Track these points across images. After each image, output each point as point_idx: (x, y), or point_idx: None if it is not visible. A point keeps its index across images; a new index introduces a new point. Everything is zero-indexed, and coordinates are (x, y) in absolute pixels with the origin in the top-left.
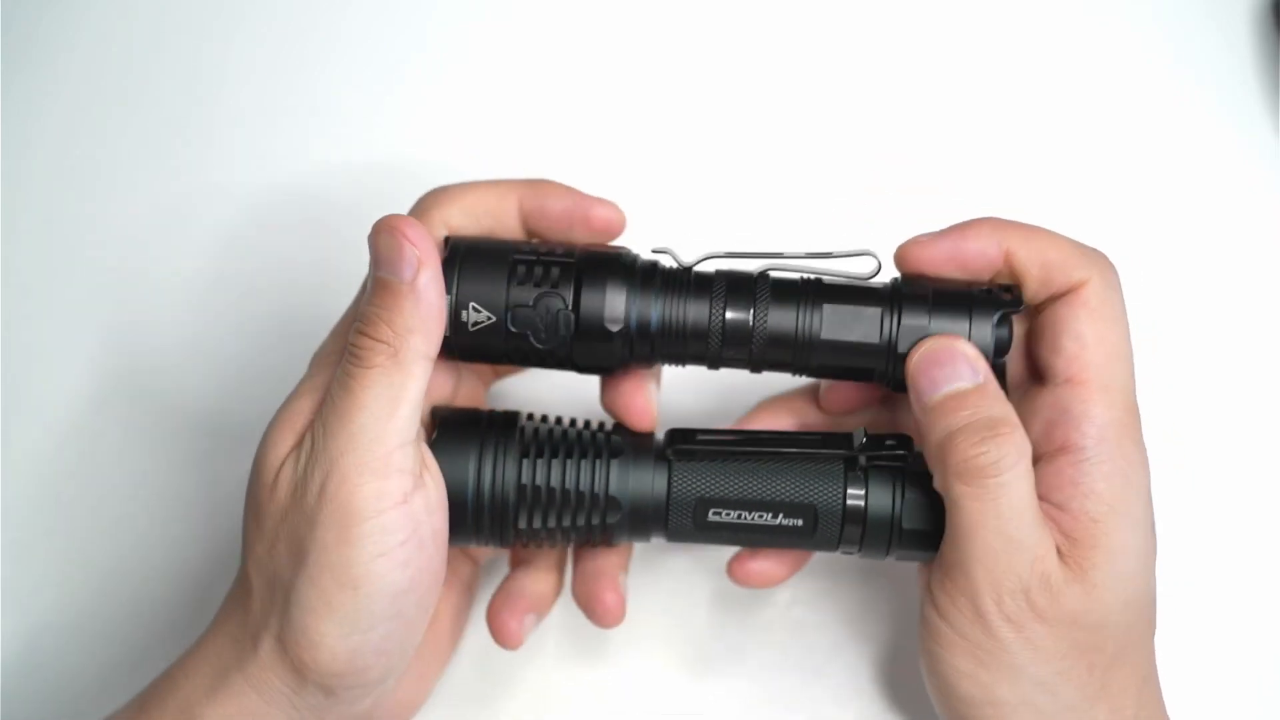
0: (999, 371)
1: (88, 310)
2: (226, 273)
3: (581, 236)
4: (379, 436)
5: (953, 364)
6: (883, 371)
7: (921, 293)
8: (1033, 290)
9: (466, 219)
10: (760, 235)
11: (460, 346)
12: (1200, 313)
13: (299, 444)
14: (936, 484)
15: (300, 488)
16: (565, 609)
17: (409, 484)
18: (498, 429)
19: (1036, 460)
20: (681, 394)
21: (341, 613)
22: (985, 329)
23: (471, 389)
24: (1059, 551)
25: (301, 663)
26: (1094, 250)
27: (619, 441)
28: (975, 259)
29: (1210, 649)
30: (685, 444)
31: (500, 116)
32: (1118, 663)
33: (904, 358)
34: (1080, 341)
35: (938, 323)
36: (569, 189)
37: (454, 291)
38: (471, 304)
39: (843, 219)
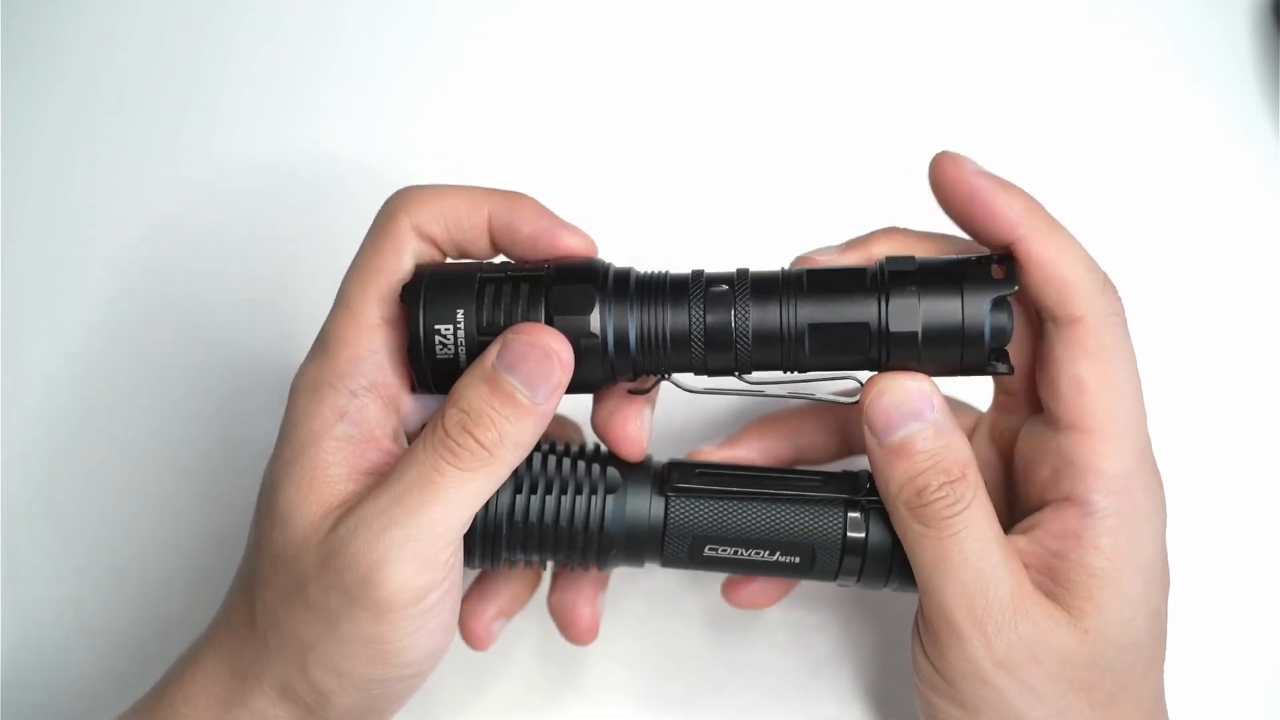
0: (1002, 355)
1: (87, 309)
2: (224, 271)
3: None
4: (445, 534)
5: (907, 403)
6: (875, 359)
7: (908, 269)
8: (1031, 287)
9: (435, 224)
10: (742, 235)
11: (435, 377)
12: (1200, 313)
13: (343, 510)
14: (895, 525)
15: (342, 560)
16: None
17: (454, 568)
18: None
19: (1040, 505)
20: (672, 410)
21: (367, 679)
22: (978, 307)
23: None
24: (1050, 595)
25: (311, 708)
26: (1102, 280)
27: (615, 477)
28: (988, 219)
29: (1210, 649)
30: (684, 481)
31: (497, 113)
32: (1120, 698)
33: (896, 338)
34: (1079, 387)
35: (928, 301)
36: (542, 211)
37: (420, 322)
38: (438, 334)
39: (835, 216)
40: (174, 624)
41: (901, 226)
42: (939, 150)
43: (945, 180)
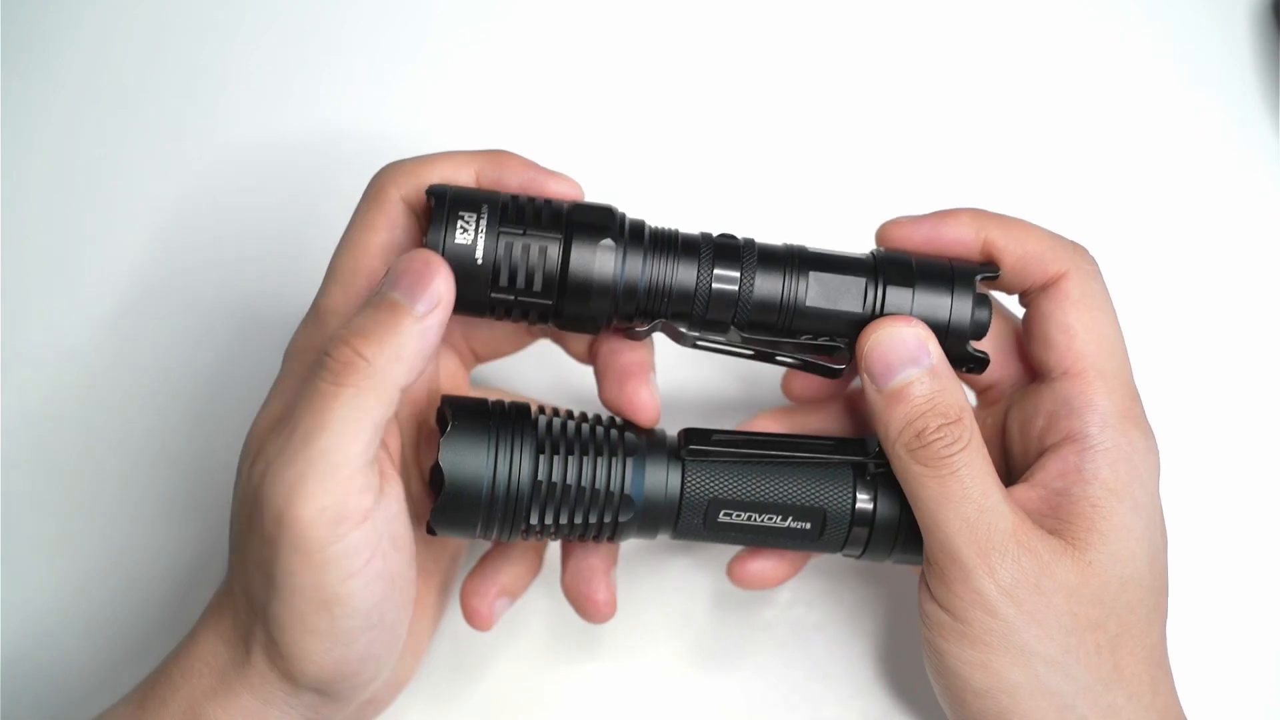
0: (978, 361)
1: (86, 310)
2: (228, 263)
3: None
4: (343, 460)
5: (904, 349)
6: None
7: (903, 264)
8: (1010, 280)
9: (424, 190)
10: (742, 218)
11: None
12: (1200, 312)
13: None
14: (895, 468)
15: (258, 507)
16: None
17: (370, 501)
18: (511, 422)
19: (1041, 453)
20: (682, 386)
21: (319, 631)
22: (966, 303)
23: (452, 373)
24: (1054, 532)
25: (290, 674)
26: (1071, 242)
27: (633, 440)
28: (953, 245)
29: (1212, 642)
30: (700, 444)
31: (505, 97)
32: (1124, 644)
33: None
34: (1069, 333)
35: (921, 295)
36: (526, 162)
37: (444, 228)
38: (460, 219)
39: (832, 213)
40: (173, 615)
41: (978, 207)
42: (878, 226)
43: (899, 243)
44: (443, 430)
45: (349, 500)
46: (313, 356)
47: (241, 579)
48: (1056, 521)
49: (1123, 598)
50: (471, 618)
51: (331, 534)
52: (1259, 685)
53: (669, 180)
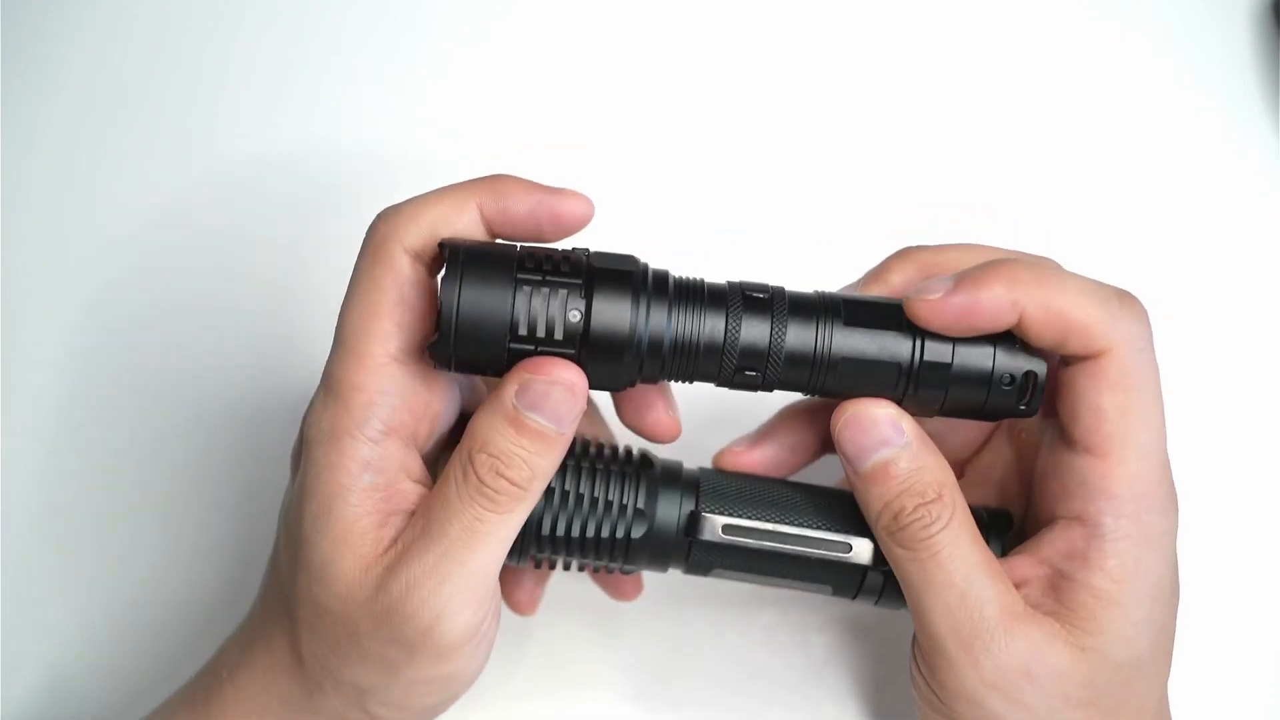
0: (1036, 389)
1: (86, 308)
2: (226, 271)
3: (550, 234)
4: (493, 572)
5: (876, 430)
6: (899, 396)
7: None
8: (1048, 347)
9: (428, 239)
10: (749, 248)
11: (458, 359)
12: (1200, 312)
13: (385, 566)
14: (884, 552)
15: (400, 618)
16: (560, 603)
17: (498, 591)
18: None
19: (1050, 519)
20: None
21: (428, 705)
22: (1012, 358)
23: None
24: (1052, 614)
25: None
26: (1119, 302)
27: (642, 513)
28: (988, 322)
29: (1214, 653)
30: (710, 537)
31: (501, 110)
32: (1121, 711)
33: (927, 372)
34: (1099, 415)
35: (962, 347)
36: (529, 185)
37: (457, 300)
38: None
39: (843, 224)
40: (175, 631)
41: (915, 246)
42: (905, 300)
43: (933, 320)
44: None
45: (490, 604)
46: (354, 447)
47: (331, 664)
48: (1056, 604)
49: (1119, 677)
50: (516, 607)
51: (473, 636)
52: (1258, 685)
53: (670, 193)
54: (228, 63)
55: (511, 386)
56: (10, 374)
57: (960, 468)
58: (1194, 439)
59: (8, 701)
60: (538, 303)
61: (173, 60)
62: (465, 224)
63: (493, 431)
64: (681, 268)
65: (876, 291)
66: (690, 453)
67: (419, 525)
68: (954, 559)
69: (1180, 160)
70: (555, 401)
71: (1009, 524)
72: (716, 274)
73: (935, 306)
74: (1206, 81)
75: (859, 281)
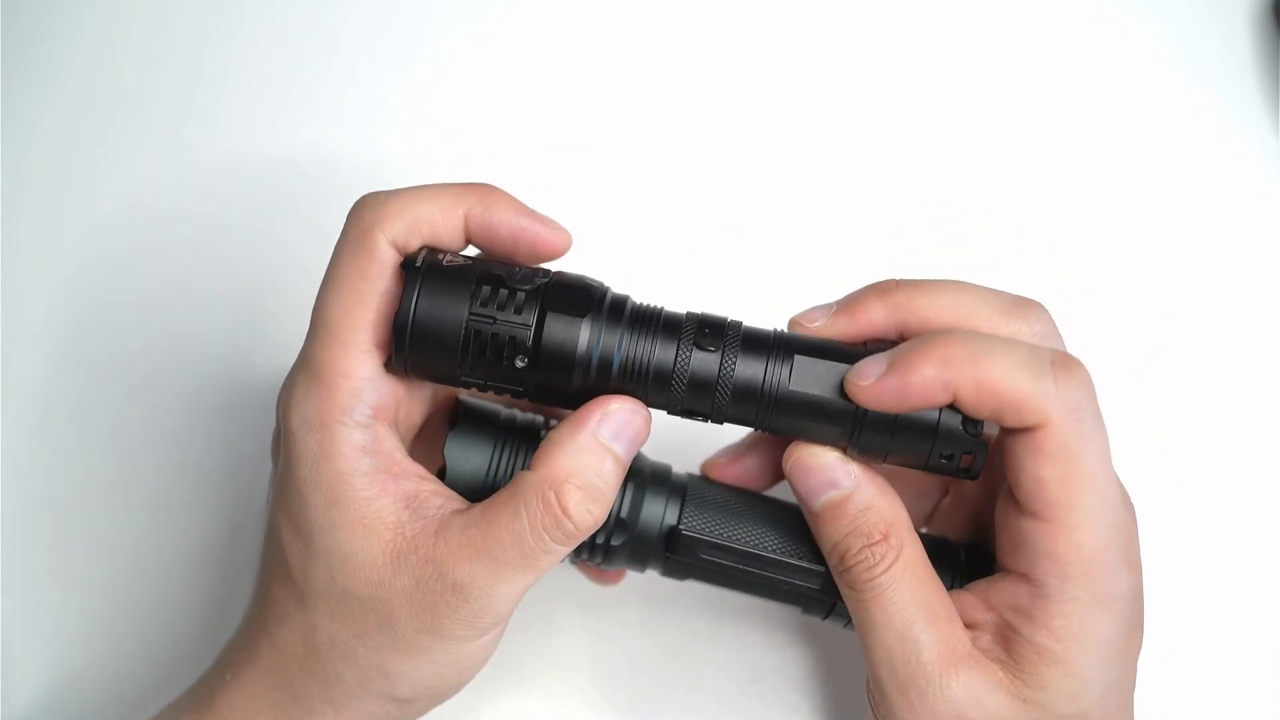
0: (979, 456)
1: (88, 310)
2: (218, 266)
3: (524, 258)
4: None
5: (823, 473)
6: (845, 444)
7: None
8: (987, 419)
9: (413, 237)
10: (732, 270)
11: (413, 363)
12: (1200, 312)
13: (424, 554)
14: (840, 588)
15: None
16: (560, 602)
17: None
18: (518, 434)
19: (1000, 570)
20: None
21: (452, 685)
22: (952, 428)
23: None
24: (999, 661)
25: (393, 716)
26: (1056, 372)
27: (623, 536)
28: (923, 402)
29: (1212, 650)
30: (687, 556)
31: (496, 114)
32: None
33: (872, 423)
34: (1040, 484)
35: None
36: (517, 206)
37: (414, 305)
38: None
39: (827, 253)
40: (171, 628)
41: (892, 280)
42: (844, 379)
43: (869, 404)
44: (451, 427)
45: (495, 629)
46: (347, 433)
47: (355, 651)
48: (1003, 653)
49: None
50: (600, 578)
51: (500, 626)
52: (1258, 686)
53: (670, 193)
54: (227, 63)
55: (595, 416)
56: (9, 372)
57: (946, 484)
58: (1194, 439)
59: (8, 701)
60: (487, 335)
61: (173, 60)
62: (450, 229)
63: (583, 463)
64: (681, 268)
65: (844, 325)
66: (690, 455)
67: (473, 536)
68: (894, 601)
69: (1180, 160)
70: (634, 431)
71: (985, 559)
72: (716, 274)
73: (869, 391)
74: (1206, 81)
75: (832, 306)
